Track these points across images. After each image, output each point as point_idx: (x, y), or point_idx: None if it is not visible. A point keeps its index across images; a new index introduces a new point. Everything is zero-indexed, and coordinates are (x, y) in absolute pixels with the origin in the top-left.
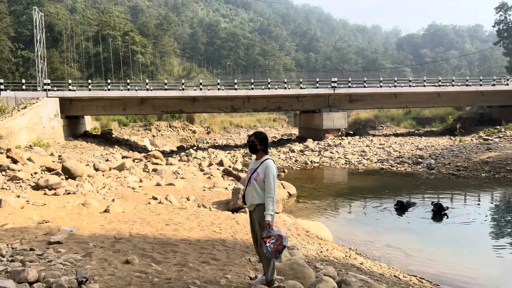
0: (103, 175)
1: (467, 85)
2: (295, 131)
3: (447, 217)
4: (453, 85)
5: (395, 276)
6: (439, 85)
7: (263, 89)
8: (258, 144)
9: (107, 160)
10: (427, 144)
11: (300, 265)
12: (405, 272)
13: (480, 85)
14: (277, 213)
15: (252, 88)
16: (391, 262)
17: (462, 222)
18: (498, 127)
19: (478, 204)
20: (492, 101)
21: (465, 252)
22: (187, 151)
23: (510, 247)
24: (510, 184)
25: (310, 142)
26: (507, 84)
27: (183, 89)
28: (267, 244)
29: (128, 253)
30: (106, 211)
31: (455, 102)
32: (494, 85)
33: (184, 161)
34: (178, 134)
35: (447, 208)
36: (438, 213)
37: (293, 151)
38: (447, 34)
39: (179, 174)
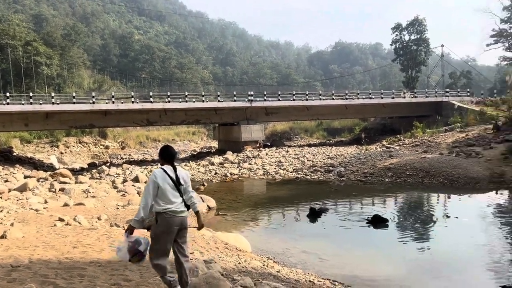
0: (0, 198)
1: (370, 98)
2: (215, 144)
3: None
4: (358, 98)
5: (310, 281)
6: (346, 98)
7: (180, 102)
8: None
9: (6, 181)
10: (337, 153)
11: (215, 278)
12: (319, 276)
13: (382, 98)
14: (195, 227)
15: (169, 101)
16: (307, 268)
17: (370, 225)
18: (398, 136)
19: (384, 208)
20: (393, 112)
21: (374, 253)
22: (99, 168)
23: (413, 247)
24: (410, 187)
25: (229, 155)
26: (404, 97)
27: (93, 102)
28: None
29: (26, 281)
30: (2, 237)
31: (360, 114)
32: (393, 98)
33: (96, 178)
34: (90, 150)
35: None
36: (377, 221)
37: (212, 164)
38: (352, 51)
39: (90, 192)
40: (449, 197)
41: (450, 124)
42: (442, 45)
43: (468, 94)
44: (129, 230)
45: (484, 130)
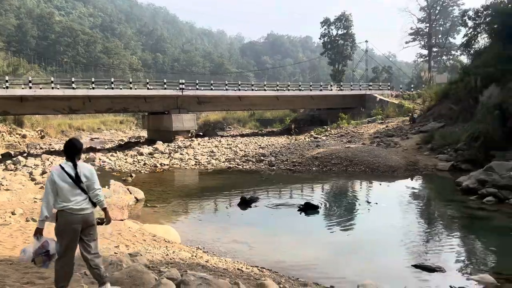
0: None
1: (300, 90)
2: (144, 134)
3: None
4: (289, 90)
5: (238, 269)
6: (278, 90)
7: (106, 88)
8: None
9: None
10: (269, 143)
11: (139, 271)
12: (248, 264)
13: (311, 90)
14: (122, 220)
15: (94, 88)
16: (236, 256)
17: (302, 212)
18: (325, 127)
19: (312, 195)
20: (321, 104)
21: (302, 239)
22: (15, 159)
23: (338, 232)
24: (335, 175)
25: (159, 145)
26: (331, 90)
27: (7, 87)
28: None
29: None
30: None
31: (291, 105)
32: (321, 90)
33: (11, 170)
34: (3, 139)
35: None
36: (308, 208)
37: (141, 154)
38: (283, 43)
39: (3, 185)
40: (370, 184)
41: (372, 116)
42: (366, 41)
43: (389, 88)
44: (38, 233)
45: (402, 122)
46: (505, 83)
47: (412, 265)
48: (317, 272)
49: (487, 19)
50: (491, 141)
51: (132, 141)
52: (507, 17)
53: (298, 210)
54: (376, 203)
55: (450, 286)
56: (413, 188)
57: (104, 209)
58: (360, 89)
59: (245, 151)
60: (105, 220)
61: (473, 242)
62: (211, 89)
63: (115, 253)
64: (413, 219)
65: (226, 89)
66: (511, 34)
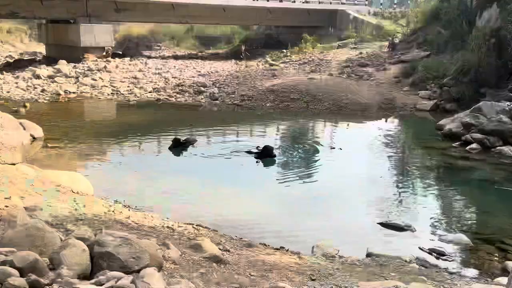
0: None
1: (254, 0)
2: (42, 49)
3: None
4: None
5: (168, 227)
6: None
7: None
8: None
9: None
10: (211, 69)
11: (39, 230)
12: (180, 221)
13: (268, 0)
14: (14, 164)
15: None
16: (166, 211)
17: (257, 159)
18: (284, 51)
19: (264, 138)
20: (280, 21)
21: (248, 191)
22: None
23: (294, 182)
24: (293, 114)
25: (63, 65)
26: (294, 2)
27: None
28: None
29: None
30: None
31: (241, 20)
32: (281, 1)
33: None
34: None
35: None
36: (265, 155)
37: (38, 77)
38: None
39: None
40: (336, 125)
41: (344, 39)
42: None
43: (366, 3)
44: None
45: (380, 48)
46: (506, 4)
47: (377, 223)
48: (265, 230)
49: None
50: (483, 77)
51: (25, 58)
52: None
53: (255, 156)
54: (341, 149)
55: (419, 248)
56: (386, 131)
57: None
58: (331, 3)
59: (179, 79)
60: None
61: (451, 198)
62: None
63: (6, 206)
64: (383, 169)
65: None
66: None
